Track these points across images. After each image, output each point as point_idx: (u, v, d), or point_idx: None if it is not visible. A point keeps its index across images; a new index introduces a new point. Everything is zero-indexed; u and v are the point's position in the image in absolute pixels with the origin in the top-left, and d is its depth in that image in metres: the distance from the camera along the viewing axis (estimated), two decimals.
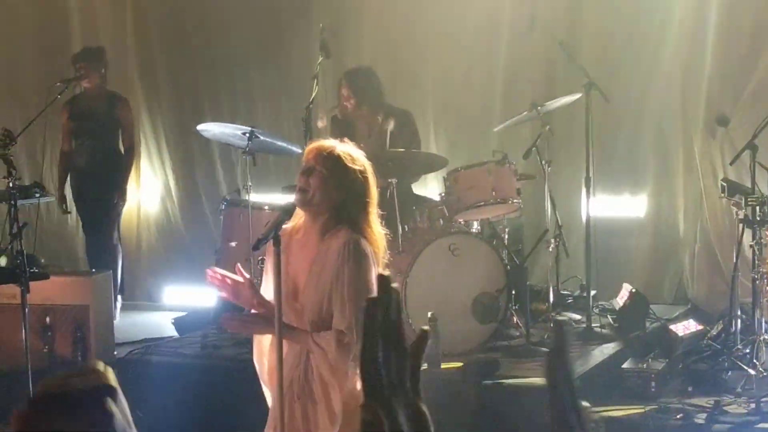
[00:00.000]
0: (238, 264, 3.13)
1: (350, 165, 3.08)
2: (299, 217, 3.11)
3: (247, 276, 3.10)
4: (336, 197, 3.06)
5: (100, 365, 1.32)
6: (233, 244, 4.75)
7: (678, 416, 4.38)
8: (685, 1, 5.87)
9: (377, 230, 3.12)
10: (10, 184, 4.47)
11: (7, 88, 6.97)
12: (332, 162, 3.04)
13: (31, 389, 4.26)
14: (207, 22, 6.71)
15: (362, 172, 3.08)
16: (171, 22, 6.84)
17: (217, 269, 3.13)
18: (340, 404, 3.02)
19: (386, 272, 1.04)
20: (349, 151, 3.08)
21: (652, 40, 5.98)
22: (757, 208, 4.81)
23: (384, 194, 4.56)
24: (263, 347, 3.18)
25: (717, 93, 5.59)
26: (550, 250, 5.16)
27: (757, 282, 4.90)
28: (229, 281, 3.07)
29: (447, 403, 4.40)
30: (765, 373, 4.64)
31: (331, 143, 3.11)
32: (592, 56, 5.75)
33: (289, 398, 3.10)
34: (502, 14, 5.83)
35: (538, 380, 4.50)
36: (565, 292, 5.61)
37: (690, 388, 4.69)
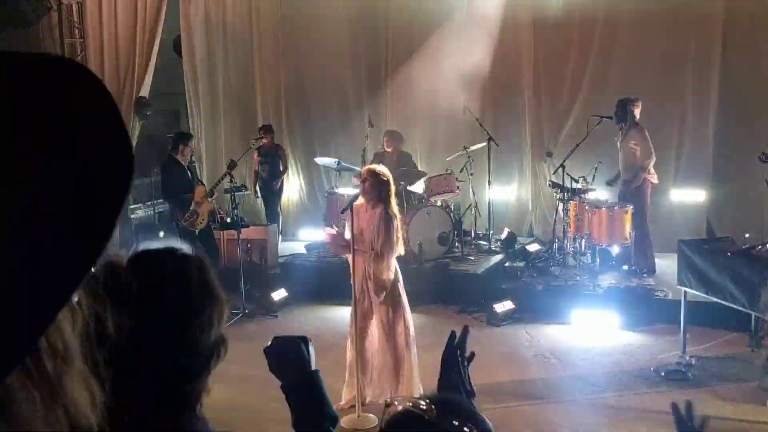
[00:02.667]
0: (327, 228, 5.93)
1: (381, 176, 5.35)
2: (361, 200, 5.43)
3: (337, 231, 5.73)
4: (375, 191, 5.32)
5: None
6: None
7: (530, 286, 8.43)
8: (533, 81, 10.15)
9: (394, 204, 5.37)
10: (232, 186, 8.70)
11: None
12: (373, 175, 5.35)
13: (242, 277, 8.23)
14: (320, 90, 11.13)
15: (387, 178, 5.35)
16: (295, 92, 11.45)
17: (327, 230, 5.81)
18: (380, 281, 5.39)
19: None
20: (381, 169, 5.45)
21: (522, 111, 10.37)
22: (563, 194, 8.74)
23: (398, 189, 8.52)
24: (349, 259, 5.47)
25: (547, 137, 10.33)
26: (471, 212, 9.89)
27: (558, 225, 8.93)
28: (330, 234, 5.62)
29: (428, 281, 8.33)
30: (568, 267, 8.79)
31: (373, 166, 5.58)
32: (492, 118, 10.21)
33: (359, 279, 5.49)
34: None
35: (469, 271, 8.74)
36: (478, 232, 10.02)
37: (534, 274, 8.81)
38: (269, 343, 1.72)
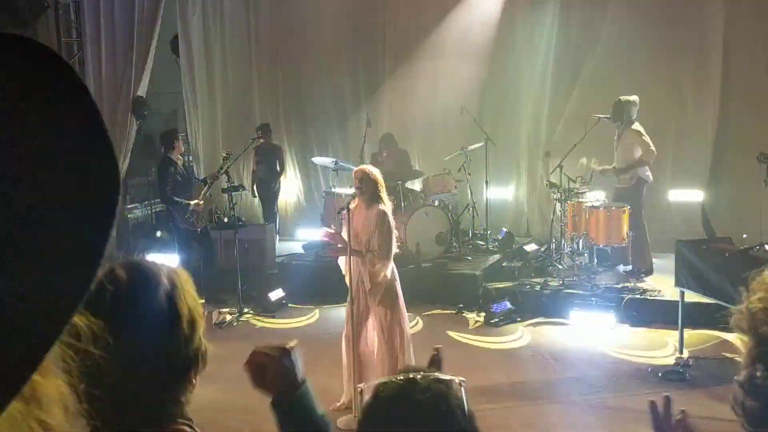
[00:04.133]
0: (325, 228, 6.04)
1: (371, 175, 5.47)
2: (357, 199, 5.51)
3: (335, 230, 5.63)
4: (369, 190, 5.43)
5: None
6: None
7: (527, 286, 8.42)
8: (531, 81, 10.20)
9: (386, 199, 5.48)
10: (229, 185, 8.66)
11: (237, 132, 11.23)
12: (365, 175, 5.49)
13: (239, 277, 8.31)
14: (318, 90, 11.20)
15: (377, 178, 5.46)
16: (293, 91, 11.47)
17: (324, 230, 5.80)
18: (378, 281, 5.42)
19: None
20: (371, 169, 5.57)
21: (519, 112, 10.50)
22: (561, 194, 8.77)
23: (396, 188, 8.90)
24: (343, 260, 5.50)
25: (545, 137, 10.26)
26: (469, 212, 9.87)
27: (555, 224, 8.94)
28: (328, 233, 5.62)
29: (425, 280, 8.43)
30: (565, 267, 8.77)
31: (364, 166, 5.71)
32: (489, 118, 10.27)
33: (356, 281, 5.50)
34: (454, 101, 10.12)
35: (466, 271, 8.80)
36: (476, 232, 9.99)
37: (532, 274, 8.83)
38: (249, 357, 1.63)
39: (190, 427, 1.45)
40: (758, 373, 1.34)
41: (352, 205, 5.43)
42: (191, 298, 1.45)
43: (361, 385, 1.44)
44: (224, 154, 8.78)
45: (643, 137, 8.36)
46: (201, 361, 1.46)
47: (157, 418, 1.39)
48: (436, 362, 1.62)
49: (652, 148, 8.34)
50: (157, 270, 1.42)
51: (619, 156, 8.58)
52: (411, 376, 1.41)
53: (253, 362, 1.61)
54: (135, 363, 1.31)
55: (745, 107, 9.40)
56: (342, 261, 5.55)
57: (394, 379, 1.42)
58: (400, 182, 9.24)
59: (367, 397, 1.42)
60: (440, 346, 1.67)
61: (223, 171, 8.58)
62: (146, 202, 11.23)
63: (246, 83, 11.70)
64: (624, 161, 8.49)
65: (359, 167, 5.69)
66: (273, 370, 1.59)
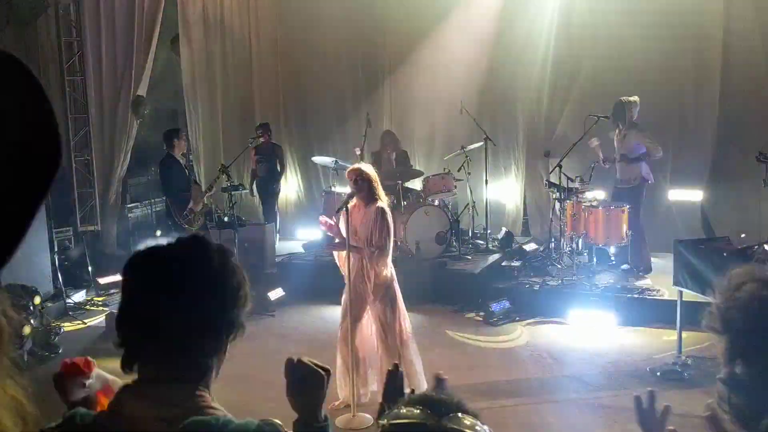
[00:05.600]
0: (323, 216, 5.86)
1: (365, 173, 5.55)
2: (355, 198, 5.56)
3: (334, 221, 5.61)
4: (365, 188, 5.52)
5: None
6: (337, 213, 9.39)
7: (527, 285, 8.47)
8: (531, 81, 10.15)
9: (383, 195, 5.57)
10: (229, 185, 8.74)
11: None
12: (359, 174, 5.56)
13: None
14: (318, 89, 11.21)
15: (371, 176, 5.54)
16: (293, 91, 11.47)
17: (323, 217, 5.77)
18: (378, 279, 5.50)
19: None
20: (364, 167, 5.64)
21: (518, 111, 10.44)
22: (560, 194, 8.73)
23: (395, 187, 8.95)
24: (342, 257, 5.60)
25: (544, 136, 10.27)
26: (469, 211, 9.87)
27: (554, 223, 8.93)
28: (327, 223, 5.64)
29: (425, 280, 8.43)
30: (564, 266, 8.75)
31: (358, 165, 5.76)
32: (489, 117, 10.17)
33: (354, 279, 5.52)
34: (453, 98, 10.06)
35: (466, 271, 8.81)
36: (476, 231, 10.01)
37: (531, 273, 8.78)
38: (295, 360, 1.68)
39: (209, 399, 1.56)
40: (738, 369, 1.35)
41: (350, 205, 5.45)
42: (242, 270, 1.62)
43: (407, 391, 1.41)
44: (220, 166, 8.87)
45: (647, 137, 8.41)
46: (239, 332, 1.62)
47: (195, 378, 1.53)
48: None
49: (658, 146, 8.40)
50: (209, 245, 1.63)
51: (620, 157, 8.62)
52: (443, 423, 1.30)
53: (296, 369, 1.67)
54: (203, 316, 1.51)
55: (745, 107, 9.40)
56: (339, 256, 5.62)
57: (426, 419, 1.31)
58: (399, 182, 9.24)
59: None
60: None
61: (216, 180, 8.70)
62: (146, 202, 11.24)
63: (246, 82, 11.71)
64: (626, 166, 8.55)
65: (352, 167, 5.72)
66: (311, 380, 1.65)
